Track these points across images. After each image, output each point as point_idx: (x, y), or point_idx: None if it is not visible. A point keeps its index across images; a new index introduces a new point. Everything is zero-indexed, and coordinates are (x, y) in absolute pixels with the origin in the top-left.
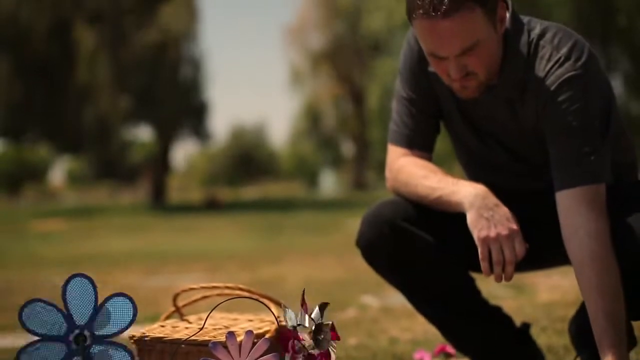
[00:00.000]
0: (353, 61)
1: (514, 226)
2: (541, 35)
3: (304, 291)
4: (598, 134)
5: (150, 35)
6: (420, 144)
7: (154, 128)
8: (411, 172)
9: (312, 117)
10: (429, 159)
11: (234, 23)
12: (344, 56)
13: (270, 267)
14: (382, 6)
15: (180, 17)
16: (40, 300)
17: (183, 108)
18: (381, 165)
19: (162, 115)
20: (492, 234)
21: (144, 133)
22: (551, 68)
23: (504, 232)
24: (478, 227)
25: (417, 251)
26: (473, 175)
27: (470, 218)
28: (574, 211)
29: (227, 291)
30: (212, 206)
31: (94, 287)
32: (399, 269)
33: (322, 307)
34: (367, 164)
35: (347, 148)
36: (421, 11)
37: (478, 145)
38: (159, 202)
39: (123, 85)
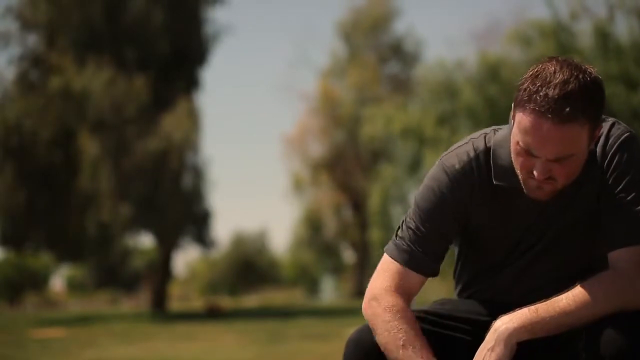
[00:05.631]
0: (353, 169)
1: None
2: None
3: None
4: None
5: (152, 143)
6: (418, 268)
7: (155, 236)
8: (389, 320)
9: (312, 225)
10: (422, 283)
11: (234, 131)
12: (343, 164)
13: None
14: (382, 114)
15: (181, 126)
16: None
17: (184, 216)
18: None
19: (164, 223)
20: None
21: (145, 240)
22: (609, 131)
23: None
24: None
25: None
26: (468, 289)
27: None
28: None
29: None
30: (213, 314)
31: None
32: None
33: None
34: (367, 272)
35: (348, 255)
36: (535, 107)
37: (504, 260)
38: (160, 309)
39: (125, 193)
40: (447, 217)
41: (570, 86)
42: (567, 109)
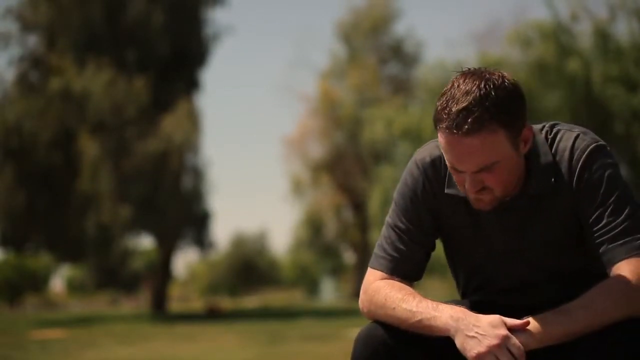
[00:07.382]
0: (353, 170)
1: (502, 332)
2: (553, 125)
3: None
4: (634, 202)
5: (152, 145)
6: (402, 273)
7: (155, 237)
8: (388, 294)
9: (312, 226)
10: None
11: (234, 133)
12: (344, 166)
13: None
14: (382, 116)
15: (181, 127)
16: None
17: (184, 217)
18: None
19: (164, 225)
20: (483, 348)
21: (145, 242)
22: (574, 144)
23: (494, 341)
24: (468, 348)
25: None
26: (471, 291)
27: (458, 343)
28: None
29: None
30: (212, 315)
31: None
32: None
33: None
34: None
35: (348, 256)
36: (443, 124)
37: (487, 261)
38: (160, 310)
39: (125, 195)
40: (422, 209)
41: (470, 97)
42: (470, 120)
